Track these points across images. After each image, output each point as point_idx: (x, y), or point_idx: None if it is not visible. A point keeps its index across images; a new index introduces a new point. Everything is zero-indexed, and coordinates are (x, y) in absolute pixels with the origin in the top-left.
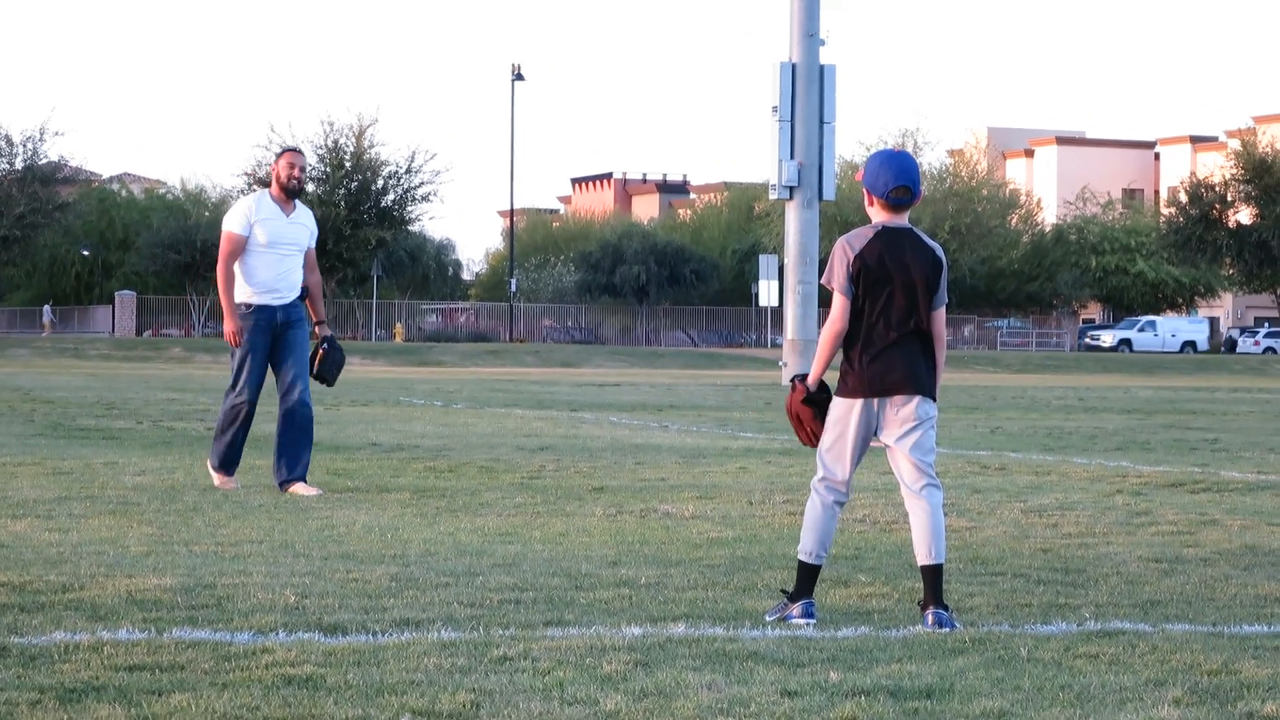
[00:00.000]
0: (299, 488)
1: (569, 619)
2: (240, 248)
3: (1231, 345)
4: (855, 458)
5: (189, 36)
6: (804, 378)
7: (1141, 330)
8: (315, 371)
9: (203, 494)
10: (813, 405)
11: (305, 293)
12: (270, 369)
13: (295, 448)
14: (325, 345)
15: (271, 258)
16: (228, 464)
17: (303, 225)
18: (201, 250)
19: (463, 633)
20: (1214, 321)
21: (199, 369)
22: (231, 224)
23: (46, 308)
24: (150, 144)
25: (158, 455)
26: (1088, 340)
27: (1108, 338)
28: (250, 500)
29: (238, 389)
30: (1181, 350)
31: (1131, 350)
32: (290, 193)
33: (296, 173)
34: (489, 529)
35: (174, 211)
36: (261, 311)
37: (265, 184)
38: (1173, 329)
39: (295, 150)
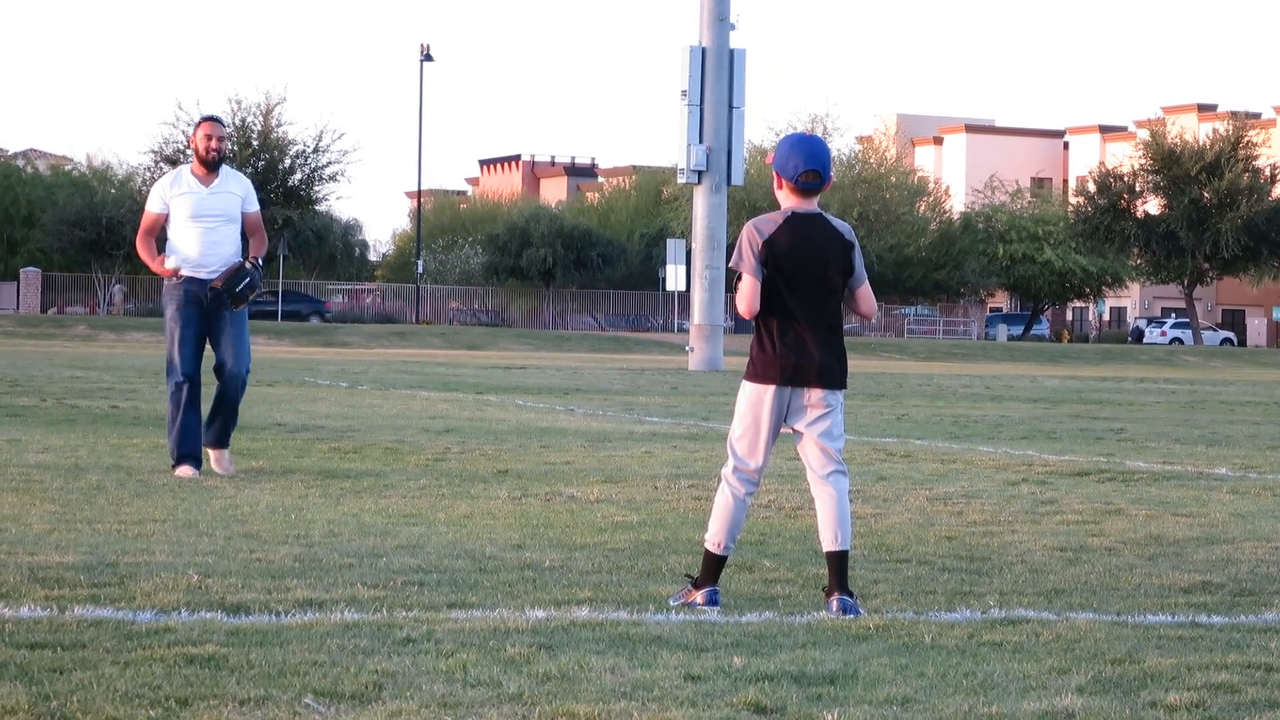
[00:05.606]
0: (217, 456)
1: (473, 601)
2: (155, 226)
3: (1139, 335)
4: (768, 446)
5: (97, 11)
6: None
7: None
8: (220, 283)
9: (106, 472)
10: None
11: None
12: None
13: (221, 418)
14: (242, 263)
15: (196, 231)
16: (186, 455)
17: (228, 194)
18: (107, 227)
19: (366, 614)
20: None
21: (104, 347)
22: (148, 203)
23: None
24: (57, 120)
25: (61, 433)
26: None
27: None
28: (154, 480)
29: (173, 368)
30: None
31: None
32: (209, 165)
33: (214, 144)
34: (393, 510)
35: (80, 188)
36: (190, 283)
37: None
38: None
39: (212, 119)
